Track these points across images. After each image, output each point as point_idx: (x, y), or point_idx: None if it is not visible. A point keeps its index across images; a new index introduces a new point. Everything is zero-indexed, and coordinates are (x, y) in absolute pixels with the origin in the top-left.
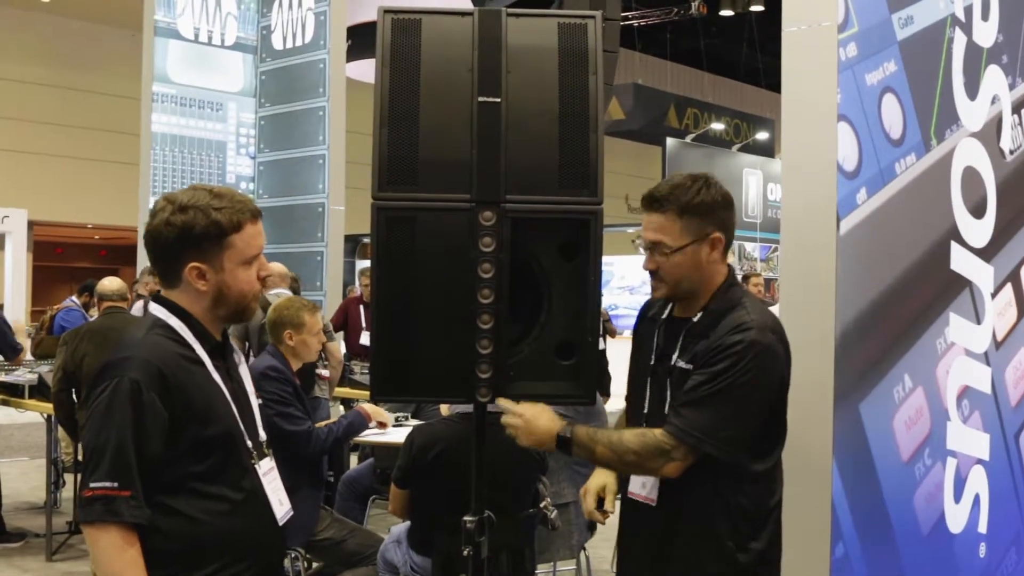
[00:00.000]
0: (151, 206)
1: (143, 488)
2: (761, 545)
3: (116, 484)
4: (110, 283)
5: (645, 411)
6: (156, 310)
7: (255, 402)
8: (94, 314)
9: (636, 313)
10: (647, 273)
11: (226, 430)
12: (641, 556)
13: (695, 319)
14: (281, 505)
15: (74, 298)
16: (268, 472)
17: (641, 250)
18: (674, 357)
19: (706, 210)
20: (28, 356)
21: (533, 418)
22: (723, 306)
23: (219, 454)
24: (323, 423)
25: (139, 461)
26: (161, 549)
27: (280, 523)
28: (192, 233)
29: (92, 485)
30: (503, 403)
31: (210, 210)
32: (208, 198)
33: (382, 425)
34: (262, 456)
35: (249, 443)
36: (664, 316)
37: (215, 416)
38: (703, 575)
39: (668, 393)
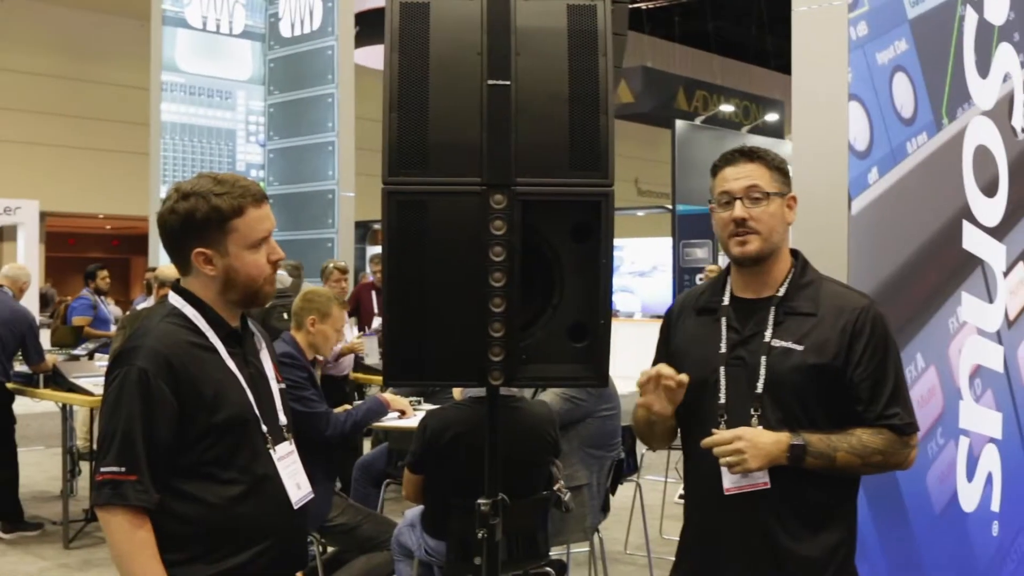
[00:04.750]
0: (162, 195)
1: (156, 473)
2: (854, 511)
3: (124, 469)
4: (169, 270)
5: (722, 402)
6: (173, 299)
7: (276, 387)
8: (107, 300)
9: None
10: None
11: (238, 416)
12: (753, 548)
13: (780, 294)
14: (299, 489)
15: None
16: (286, 456)
17: (715, 209)
18: (767, 335)
19: (786, 170)
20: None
21: (754, 438)
22: (810, 279)
23: (231, 439)
24: (340, 409)
25: (147, 448)
26: (177, 533)
27: (296, 507)
28: (195, 219)
29: (103, 469)
30: (716, 438)
31: (211, 196)
32: (210, 184)
33: (403, 413)
34: (280, 440)
35: (265, 428)
36: (725, 302)
37: (226, 402)
38: (829, 546)
39: (762, 376)
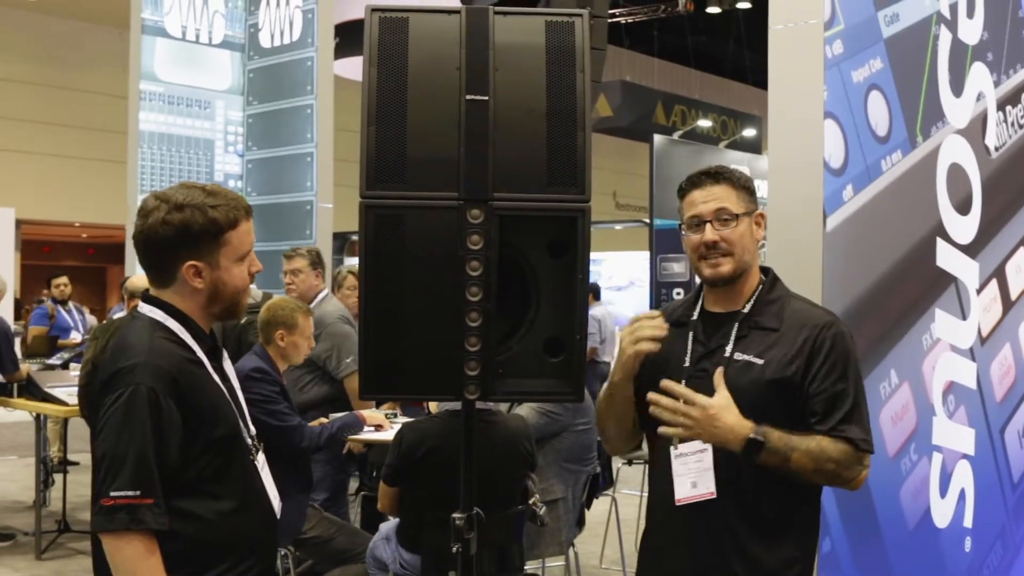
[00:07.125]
0: (139, 204)
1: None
2: (815, 529)
3: (139, 492)
4: (140, 281)
5: None
6: (149, 311)
7: (242, 397)
8: (83, 308)
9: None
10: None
11: (231, 429)
12: (706, 558)
13: (745, 310)
14: (275, 499)
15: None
16: (263, 467)
17: (684, 232)
18: (728, 349)
19: (752, 188)
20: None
21: (718, 412)
22: (776, 296)
23: (225, 454)
24: (316, 422)
25: (159, 468)
26: (175, 552)
27: (277, 516)
28: (190, 231)
29: (113, 494)
30: (676, 389)
31: (206, 208)
32: (203, 196)
33: (379, 427)
34: (258, 451)
35: (248, 440)
36: (695, 316)
37: (221, 417)
38: (782, 561)
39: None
